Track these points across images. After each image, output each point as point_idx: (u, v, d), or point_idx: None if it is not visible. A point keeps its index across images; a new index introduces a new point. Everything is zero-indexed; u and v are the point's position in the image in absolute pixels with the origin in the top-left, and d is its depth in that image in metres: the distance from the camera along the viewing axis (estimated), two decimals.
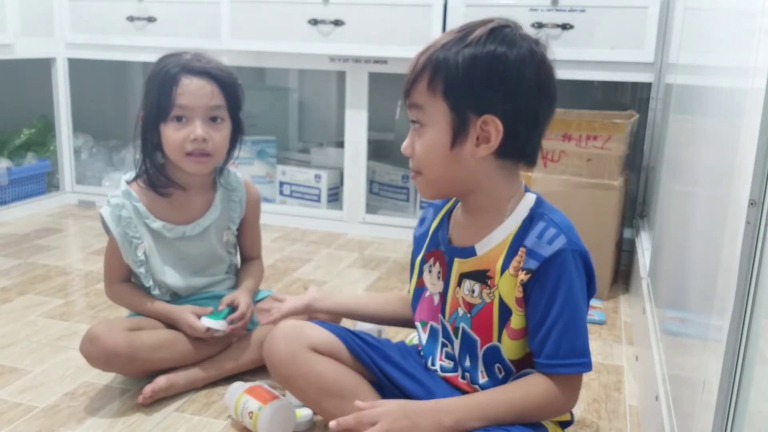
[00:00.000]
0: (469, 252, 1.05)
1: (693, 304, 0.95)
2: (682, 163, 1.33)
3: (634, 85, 2.43)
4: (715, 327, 0.74)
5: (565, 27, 2.07)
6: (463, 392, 1.08)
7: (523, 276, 0.98)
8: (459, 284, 1.06)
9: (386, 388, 1.09)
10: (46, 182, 2.79)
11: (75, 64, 2.74)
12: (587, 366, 0.98)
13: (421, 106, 0.98)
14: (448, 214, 1.12)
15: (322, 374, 1.07)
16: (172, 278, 1.41)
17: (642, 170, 2.25)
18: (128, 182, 1.40)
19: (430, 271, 1.11)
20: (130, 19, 2.55)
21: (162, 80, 1.33)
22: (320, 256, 2.24)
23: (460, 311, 1.06)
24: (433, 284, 1.11)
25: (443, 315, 1.09)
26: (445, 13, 2.18)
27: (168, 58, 1.36)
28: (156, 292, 1.40)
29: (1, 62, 2.53)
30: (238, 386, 1.25)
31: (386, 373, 1.09)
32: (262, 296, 1.51)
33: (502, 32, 0.96)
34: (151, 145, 1.37)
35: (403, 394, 1.08)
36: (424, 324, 1.13)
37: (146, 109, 1.36)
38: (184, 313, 1.37)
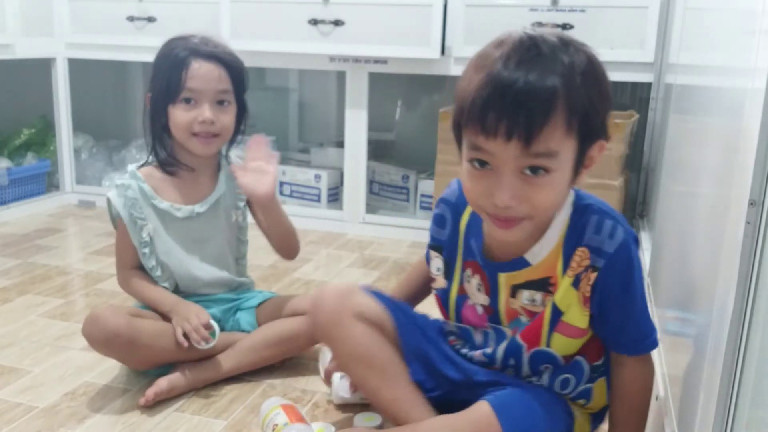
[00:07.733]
0: (519, 264, 1.00)
1: (693, 304, 0.95)
2: (682, 163, 1.33)
3: (634, 85, 2.42)
4: (715, 327, 0.74)
5: (565, 27, 2.07)
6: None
7: (590, 275, 0.96)
8: (513, 295, 1.02)
9: (416, 367, 1.09)
10: (46, 182, 2.79)
11: (75, 64, 2.74)
12: (656, 338, 1.02)
13: (556, 153, 0.85)
14: (479, 222, 1.04)
15: (358, 343, 1.07)
16: (176, 261, 1.41)
17: (642, 170, 2.25)
18: (137, 168, 1.42)
19: (469, 282, 1.07)
20: (130, 19, 2.55)
21: (172, 63, 1.35)
22: (320, 256, 2.24)
23: (523, 319, 1.03)
24: (473, 295, 1.07)
25: (499, 323, 1.06)
26: (445, 13, 2.18)
27: (176, 41, 1.38)
28: (158, 273, 1.40)
29: (1, 62, 2.53)
30: (277, 399, 1.24)
31: (426, 354, 1.09)
32: (264, 297, 1.50)
33: (569, 38, 0.87)
34: (160, 126, 1.39)
35: (439, 373, 1.09)
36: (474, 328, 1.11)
37: (155, 91, 1.38)
38: (189, 303, 1.37)
